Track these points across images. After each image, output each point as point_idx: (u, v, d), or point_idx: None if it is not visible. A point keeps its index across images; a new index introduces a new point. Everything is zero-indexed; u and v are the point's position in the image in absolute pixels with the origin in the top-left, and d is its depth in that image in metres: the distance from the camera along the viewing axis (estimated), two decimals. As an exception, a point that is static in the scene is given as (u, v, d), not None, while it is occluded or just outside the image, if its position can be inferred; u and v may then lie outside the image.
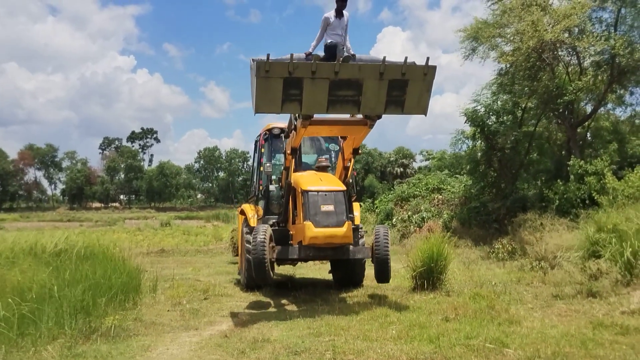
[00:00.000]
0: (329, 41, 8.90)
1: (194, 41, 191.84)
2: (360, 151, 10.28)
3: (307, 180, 9.94)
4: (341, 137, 11.03)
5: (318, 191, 9.54)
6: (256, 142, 12.57)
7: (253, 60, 8.03)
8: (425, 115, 8.57)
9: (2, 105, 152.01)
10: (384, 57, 8.22)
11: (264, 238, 8.87)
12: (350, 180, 10.69)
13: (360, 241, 10.45)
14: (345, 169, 10.61)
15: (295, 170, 10.67)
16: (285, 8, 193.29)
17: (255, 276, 9.12)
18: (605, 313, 7.78)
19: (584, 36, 16.32)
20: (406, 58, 8.13)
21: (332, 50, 8.69)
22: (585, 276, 9.70)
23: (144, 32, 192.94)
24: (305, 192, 9.51)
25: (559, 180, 16.40)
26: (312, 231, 9.14)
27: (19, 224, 53.99)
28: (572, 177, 16.08)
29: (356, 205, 11.26)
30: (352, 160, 10.57)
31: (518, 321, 7.43)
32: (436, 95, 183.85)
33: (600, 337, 6.55)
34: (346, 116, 9.87)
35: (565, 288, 9.64)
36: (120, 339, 6.99)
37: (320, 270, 14.12)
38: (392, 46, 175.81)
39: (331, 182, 10.04)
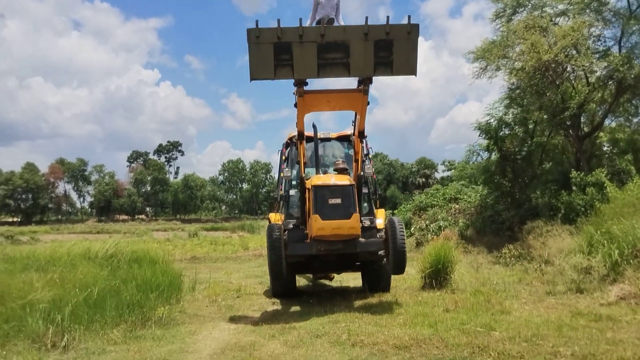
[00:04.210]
0: (317, 18, 9.66)
1: (215, 53, 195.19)
2: (366, 135, 10.39)
3: (317, 178, 10.28)
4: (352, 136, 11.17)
5: (326, 186, 9.84)
6: (280, 151, 12.73)
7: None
8: (415, 75, 8.72)
9: (28, 120, 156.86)
10: (367, 17, 8.46)
11: (279, 234, 9.61)
12: (362, 173, 10.67)
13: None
14: (356, 161, 10.73)
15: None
16: (305, 18, 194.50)
17: (271, 273, 9.83)
18: (586, 305, 8.92)
19: (582, 55, 17.38)
20: (388, 17, 8.45)
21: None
22: (576, 274, 10.76)
23: (167, 45, 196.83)
24: (313, 187, 9.82)
25: (563, 191, 17.44)
26: (319, 223, 9.50)
27: (51, 236, 55.93)
28: (574, 187, 17.09)
29: (381, 212, 11.48)
30: (362, 149, 10.77)
31: (509, 312, 8.62)
32: (459, 104, 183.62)
33: (575, 323, 7.72)
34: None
35: (558, 286, 10.77)
36: (170, 326, 8.42)
37: (341, 277, 15.09)
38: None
39: (341, 178, 10.23)
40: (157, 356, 6.76)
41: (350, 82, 9.99)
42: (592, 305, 8.85)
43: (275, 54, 8.31)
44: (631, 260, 9.90)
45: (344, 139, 12.30)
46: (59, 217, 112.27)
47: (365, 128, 10.18)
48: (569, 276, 10.81)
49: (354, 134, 10.76)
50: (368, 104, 9.53)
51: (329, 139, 12.38)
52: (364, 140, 10.85)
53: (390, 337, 7.24)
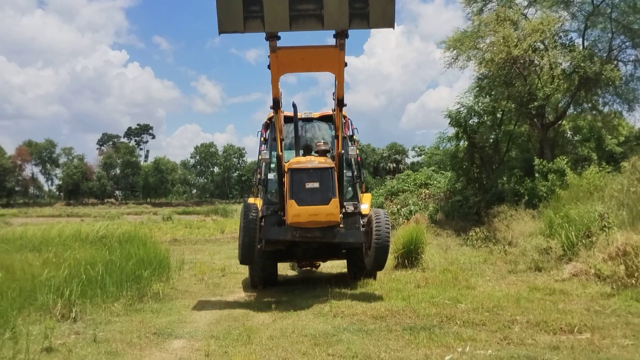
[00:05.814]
0: None
1: (184, 34, 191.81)
2: (345, 103, 9.17)
3: (295, 160, 9.61)
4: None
5: (303, 169, 9.21)
6: (259, 132, 11.60)
7: None
8: (393, 28, 7.92)
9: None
10: None
11: (255, 215, 9.02)
12: (342, 151, 9.57)
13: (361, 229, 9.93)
14: (336, 138, 9.84)
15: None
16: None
17: (242, 255, 9.08)
18: (543, 281, 9.93)
19: (548, 50, 18.37)
20: None
21: None
22: (537, 254, 11.74)
23: (134, 25, 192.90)
24: (290, 170, 9.23)
25: (527, 178, 18.50)
26: (295, 209, 8.93)
27: (21, 220, 55.10)
28: (537, 174, 18.16)
29: (367, 196, 11.02)
30: (347, 127, 10.31)
31: (474, 287, 9.57)
32: (430, 90, 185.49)
33: (532, 296, 8.69)
34: None
35: (520, 265, 11.78)
36: (165, 301, 9.22)
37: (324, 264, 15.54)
38: (386, 41, 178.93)
39: (319, 161, 9.51)
40: (159, 325, 7.48)
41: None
42: (548, 282, 9.85)
43: (245, 4, 7.53)
44: (583, 241, 10.91)
45: (328, 119, 11.36)
46: (26, 200, 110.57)
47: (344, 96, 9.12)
48: (530, 256, 11.80)
49: (334, 109, 9.67)
50: (346, 65, 8.57)
51: (310, 119, 11.55)
52: (349, 121, 10.54)
53: (368, 309, 8.09)
